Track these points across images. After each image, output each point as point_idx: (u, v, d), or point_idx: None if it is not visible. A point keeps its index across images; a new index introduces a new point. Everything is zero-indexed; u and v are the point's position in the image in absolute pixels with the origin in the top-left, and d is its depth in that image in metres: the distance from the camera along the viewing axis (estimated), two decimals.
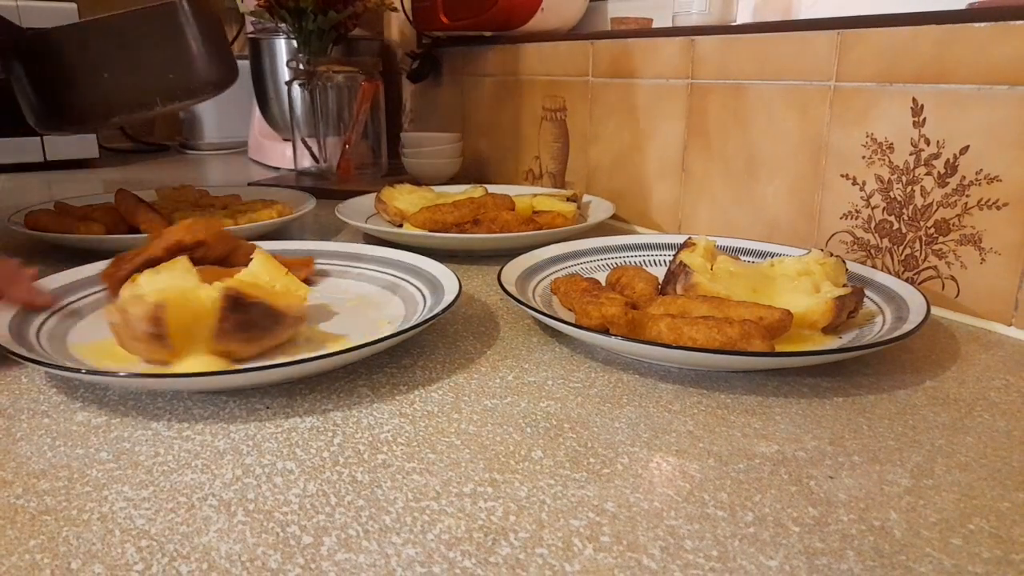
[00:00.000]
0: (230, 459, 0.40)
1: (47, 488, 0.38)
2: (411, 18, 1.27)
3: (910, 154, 0.65)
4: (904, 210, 0.66)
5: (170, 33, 0.71)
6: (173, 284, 0.51)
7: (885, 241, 0.68)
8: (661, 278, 0.63)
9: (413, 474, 0.39)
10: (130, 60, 0.71)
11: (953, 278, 0.63)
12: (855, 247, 0.71)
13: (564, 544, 0.33)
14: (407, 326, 0.51)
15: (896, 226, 0.67)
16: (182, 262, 0.54)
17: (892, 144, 0.66)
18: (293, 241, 0.75)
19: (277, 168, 1.51)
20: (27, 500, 0.37)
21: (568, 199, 0.90)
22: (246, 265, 0.58)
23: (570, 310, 0.59)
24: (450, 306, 0.54)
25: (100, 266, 0.63)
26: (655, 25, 0.97)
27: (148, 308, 0.46)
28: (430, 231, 0.82)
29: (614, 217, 0.90)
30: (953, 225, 0.62)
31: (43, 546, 0.33)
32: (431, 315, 0.53)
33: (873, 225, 0.69)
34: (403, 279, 0.66)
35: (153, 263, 0.56)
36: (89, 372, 0.45)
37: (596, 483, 0.38)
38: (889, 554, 0.33)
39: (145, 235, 0.79)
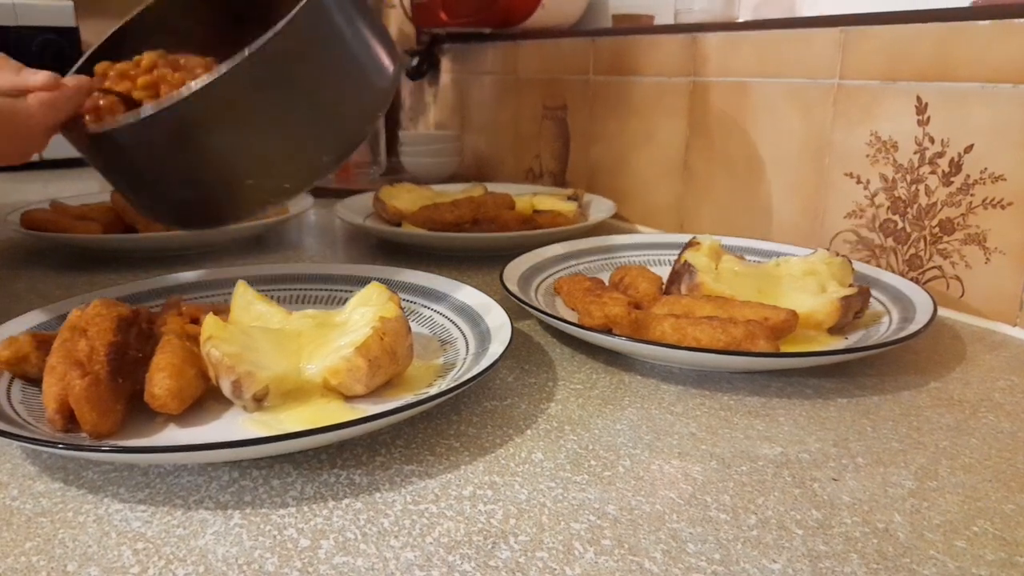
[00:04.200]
0: (226, 461, 0.40)
1: (43, 490, 0.37)
2: (410, 15, 1.27)
3: (914, 152, 0.64)
4: (908, 209, 0.65)
5: (342, 38, 0.47)
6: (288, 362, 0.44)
7: (889, 240, 0.67)
8: (665, 278, 0.63)
9: (412, 476, 0.38)
10: (300, 97, 0.46)
11: (958, 278, 0.62)
12: (859, 246, 0.70)
13: (565, 548, 0.33)
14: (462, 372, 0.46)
15: (900, 225, 0.66)
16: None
17: (896, 142, 0.65)
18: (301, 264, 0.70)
19: None
20: (23, 502, 0.36)
21: (569, 198, 0.90)
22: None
23: (573, 310, 0.59)
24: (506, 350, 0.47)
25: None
26: (657, 22, 0.97)
27: (233, 375, 0.41)
28: (429, 230, 0.81)
29: (615, 216, 0.89)
30: (958, 224, 0.62)
31: (39, 548, 0.33)
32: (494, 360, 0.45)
33: (877, 224, 0.68)
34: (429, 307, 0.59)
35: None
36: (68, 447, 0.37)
37: (597, 486, 0.38)
38: (893, 557, 0.32)
39: (142, 235, 0.79)
